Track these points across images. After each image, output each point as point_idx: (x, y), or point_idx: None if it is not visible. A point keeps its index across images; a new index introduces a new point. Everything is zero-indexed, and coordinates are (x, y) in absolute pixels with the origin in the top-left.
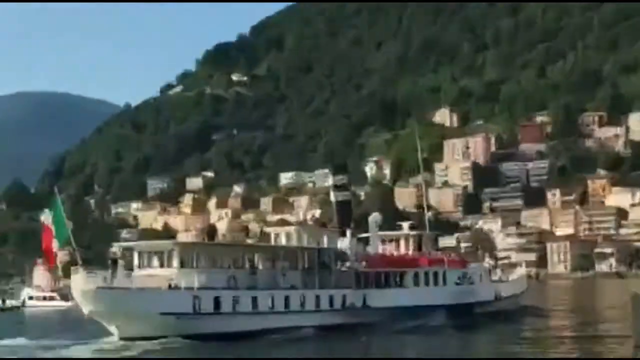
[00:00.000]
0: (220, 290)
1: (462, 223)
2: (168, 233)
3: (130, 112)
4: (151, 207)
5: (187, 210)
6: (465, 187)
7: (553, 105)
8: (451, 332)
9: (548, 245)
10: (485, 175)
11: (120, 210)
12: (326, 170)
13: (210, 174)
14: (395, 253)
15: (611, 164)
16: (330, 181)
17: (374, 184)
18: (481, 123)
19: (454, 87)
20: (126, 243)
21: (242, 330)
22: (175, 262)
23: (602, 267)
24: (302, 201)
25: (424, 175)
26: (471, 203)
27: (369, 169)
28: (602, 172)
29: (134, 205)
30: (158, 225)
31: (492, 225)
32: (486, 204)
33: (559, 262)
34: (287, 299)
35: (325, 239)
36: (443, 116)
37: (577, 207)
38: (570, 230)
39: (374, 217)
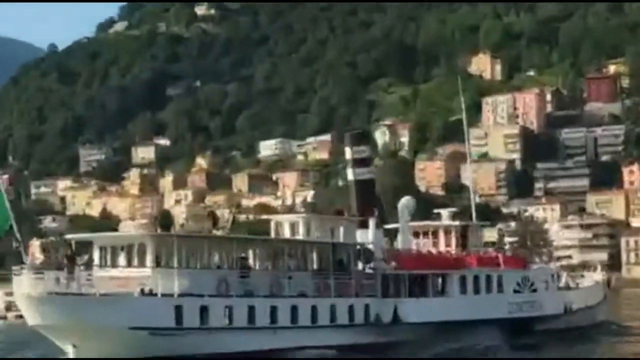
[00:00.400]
0: (208, 298)
1: (505, 210)
2: (107, 221)
3: (57, 57)
4: (84, 187)
5: (134, 190)
6: (511, 162)
7: (631, 50)
8: (510, 356)
9: (623, 240)
10: (538, 146)
11: (42, 189)
12: (322, 138)
13: (164, 141)
14: (432, 250)
15: None
16: (325, 152)
17: (387, 155)
18: (533, 74)
19: (497, 26)
20: (82, 235)
21: (235, 351)
22: (149, 260)
23: None
24: (289, 179)
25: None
26: (519, 183)
27: (381, 136)
28: None
29: (62, 183)
30: (94, 211)
31: (547, 213)
32: (539, 185)
33: (638, 263)
34: (294, 310)
35: (341, 231)
36: (482, 65)
37: None
38: None
39: (406, 203)
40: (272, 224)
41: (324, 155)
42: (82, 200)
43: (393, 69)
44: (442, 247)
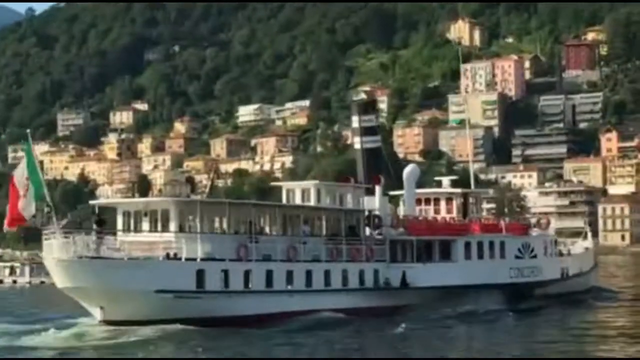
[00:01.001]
0: (228, 262)
1: (483, 176)
2: (85, 185)
3: (35, 22)
4: (62, 151)
5: (112, 155)
6: (489, 129)
7: (610, 17)
8: (512, 320)
9: (600, 207)
10: (516, 113)
11: (20, 154)
12: (300, 103)
13: (142, 106)
14: (434, 217)
15: None
16: (304, 118)
17: None
18: (512, 42)
19: None
20: (106, 200)
21: (254, 313)
22: (173, 225)
23: None
24: (268, 144)
25: (432, 113)
26: (497, 150)
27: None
28: None
29: (39, 147)
30: (72, 175)
31: (524, 180)
32: (517, 152)
33: (614, 230)
34: (308, 274)
35: (349, 198)
36: (460, 31)
37: None
38: (630, 188)
39: (411, 170)
40: (284, 191)
41: (302, 120)
42: (59, 165)
43: (372, 35)
44: (443, 214)
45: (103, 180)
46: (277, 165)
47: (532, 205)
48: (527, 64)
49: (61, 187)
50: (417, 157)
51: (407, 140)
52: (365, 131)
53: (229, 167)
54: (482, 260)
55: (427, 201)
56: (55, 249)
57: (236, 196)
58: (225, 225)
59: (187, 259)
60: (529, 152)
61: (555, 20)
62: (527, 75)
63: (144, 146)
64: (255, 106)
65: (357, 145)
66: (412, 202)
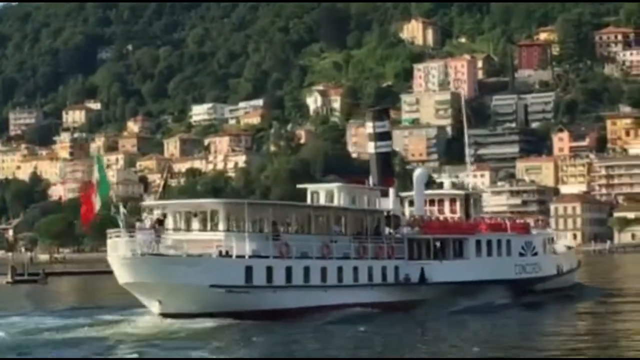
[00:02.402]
0: (272, 259)
1: (436, 176)
2: (37, 185)
3: None
4: (14, 150)
5: (64, 154)
6: (442, 128)
7: (562, 18)
8: (520, 314)
9: (552, 207)
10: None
11: None
12: (254, 103)
13: (95, 105)
14: (438, 217)
15: (638, 99)
16: (257, 117)
17: (319, 121)
18: (464, 41)
19: None
20: (157, 202)
21: (293, 307)
22: (222, 225)
23: (624, 237)
24: (222, 144)
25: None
26: (450, 149)
27: (313, 101)
28: (625, 109)
29: None
30: (24, 174)
31: (477, 179)
32: (470, 151)
33: (566, 229)
34: (339, 270)
35: (368, 200)
36: (414, 31)
37: (592, 156)
38: (582, 188)
39: (422, 173)
40: (308, 193)
41: (255, 120)
42: (11, 164)
43: (325, 34)
44: (447, 214)
45: (55, 180)
46: (230, 165)
47: (485, 204)
48: (479, 64)
49: (13, 187)
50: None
51: (361, 139)
52: (379, 136)
53: (182, 167)
54: (490, 258)
55: (432, 202)
56: (120, 248)
57: (189, 196)
58: (270, 225)
59: (237, 257)
60: (482, 151)
61: (507, 20)
62: (480, 75)
63: (97, 145)
64: (209, 105)
65: (371, 150)
66: (422, 203)
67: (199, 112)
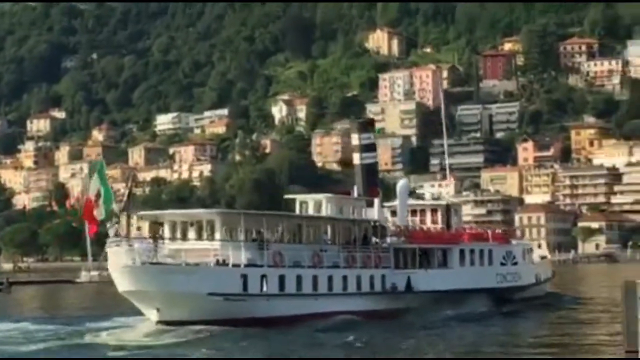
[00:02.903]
0: (266, 268)
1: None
2: (1, 193)
3: None
4: None
5: (28, 162)
6: (407, 138)
7: (526, 28)
8: (502, 322)
9: (516, 216)
10: (434, 122)
11: None
12: (219, 112)
13: (60, 114)
14: (422, 227)
15: (602, 109)
16: (222, 127)
17: (285, 130)
18: (430, 51)
19: (394, 3)
20: (153, 212)
21: (287, 314)
22: (218, 234)
23: (587, 247)
24: (187, 153)
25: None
26: (415, 159)
27: (278, 111)
28: (589, 119)
29: None
30: None
31: (442, 189)
32: (435, 161)
33: (530, 239)
34: (330, 279)
35: (355, 210)
36: (379, 41)
37: (556, 166)
38: (546, 198)
39: (404, 184)
40: (297, 203)
41: (221, 129)
42: None
43: (290, 44)
44: (429, 224)
45: (20, 189)
46: (195, 174)
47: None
48: (444, 74)
49: None
50: (335, 166)
51: (326, 149)
52: (364, 148)
53: (146, 176)
54: (473, 267)
55: (414, 212)
56: (122, 256)
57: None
58: (264, 235)
59: (233, 265)
60: (447, 161)
61: (472, 30)
62: (445, 84)
63: (61, 154)
64: (174, 114)
65: (357, 161)
66: (405, 214)
67: (164, 121)
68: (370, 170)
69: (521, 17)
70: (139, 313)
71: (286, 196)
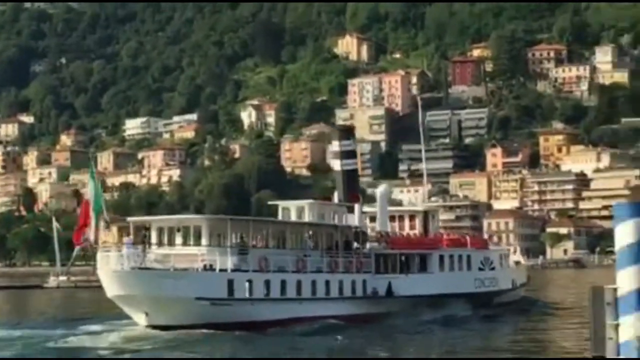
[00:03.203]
0: (252, 273)
1: (370, 190)
2: None
3: None
4: None
5: None
6: (376, 143)
7: (495, 34)
8: (480, 326)
9: (485, 222)
10: (403, 128)
11: None
12: (188, 117)
13: (28, 119)
14: (399, 232)
15: (571, 115)
16: (191, 132)
17: (254, 135)
18: (399, 57)
19: (363, 8)
20: (141, 218)
21: (272, 319)
22: (205, 240)
23: (556, 252)
24: (155, 158)
25: (319, 127)
26: (384, 165)
27: (247, 116)
28: (558, 125)
29: None
30: None
31: (411, 194)
32: (403, 166)
33: (499, 244)
34: (313, 284)
35: (337, 216)
36: (348, 46)
37: (525, 172)
38: (514, 203)
39: (384, 190)
40: (280, 209)
41: (190, 134)
42: None
43: (260, 49)
44: (407, 230)
45: None
46: (164, 179)
47: None
48: (414, 80)
49: None
50: (305, 172)
51: (295, 154)
52: (345, 154)
53: (115, 181)
54: (452, 272)
55: (392, 218)
56: (112, 262)
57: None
58: (250, 240)
59: (220, 270)
60: (416, 166)
61: (441, 36)
62: (414, 90)
63: (30, 159)
64: (143, 119)
65: (337, 167)
66: (386, 219)
67: (133, 126)
68: (351, 176)
69: (490, 24)
70: (114, 317)
71: (270, 202)
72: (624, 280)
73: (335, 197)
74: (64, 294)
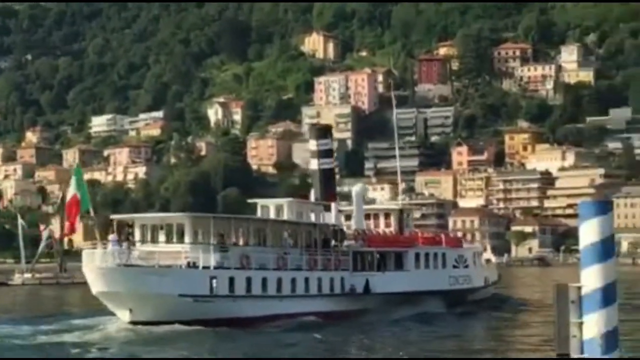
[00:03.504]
0: (233, 270)
1: (337, 188)
2: None
3: None
4: None
5: None
6: (342, 141)
7: (461, 33)
8: (454, 322)
9: (450, 220)
10: (369, 126)
11: None
12: (154, 114)
13: None
14: (373, 230)
15: (536, 114)
16: (157, 129)
17: (220, 133)
18: (365, 55)
19: (329, 6)
20: (124, 215)
21: (253, 315)
22: (188, 237)
23: (521, 250)
24: (121, 155)
25: (286, 124)
26: (350, 162)
27: (213, 113)
28: (523, 124)
29: None
30: None
31: (377, 192)
32: (369, 164)
33: (472, 243)
34: (293, 281)
35: (313, 214)
36: (314, 44)
37: (490, 170)
38: (480, 202)
39: (361, 189)
40: (259, 207)
41: (156, 131)
42: None
43: (226, 46)
44: (382, 228)
45: None
46: (130, 176)
47: None
48: (380, 78)
49: None
50: (271, 169)
51: (261, 151)
52: (322, 154)
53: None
54: (427, 270)
55: (367, 216)
56: (97, 259)
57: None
58: (232, 238)
59: (203, 267)
60: (382, 164)
61: (408, 35)
62: (380, 88)
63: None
64: (109, 116)
65: (314, 166)
66: (362, 218)
67: (99, 123)
68: (328, 175)
69: (456, 22)
70: (83, 315)
71: (249, 200)
72: (588, 279)
73: (312, 196)
74: (29, 291)
